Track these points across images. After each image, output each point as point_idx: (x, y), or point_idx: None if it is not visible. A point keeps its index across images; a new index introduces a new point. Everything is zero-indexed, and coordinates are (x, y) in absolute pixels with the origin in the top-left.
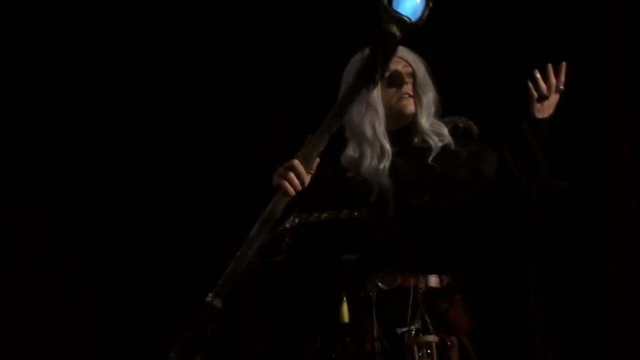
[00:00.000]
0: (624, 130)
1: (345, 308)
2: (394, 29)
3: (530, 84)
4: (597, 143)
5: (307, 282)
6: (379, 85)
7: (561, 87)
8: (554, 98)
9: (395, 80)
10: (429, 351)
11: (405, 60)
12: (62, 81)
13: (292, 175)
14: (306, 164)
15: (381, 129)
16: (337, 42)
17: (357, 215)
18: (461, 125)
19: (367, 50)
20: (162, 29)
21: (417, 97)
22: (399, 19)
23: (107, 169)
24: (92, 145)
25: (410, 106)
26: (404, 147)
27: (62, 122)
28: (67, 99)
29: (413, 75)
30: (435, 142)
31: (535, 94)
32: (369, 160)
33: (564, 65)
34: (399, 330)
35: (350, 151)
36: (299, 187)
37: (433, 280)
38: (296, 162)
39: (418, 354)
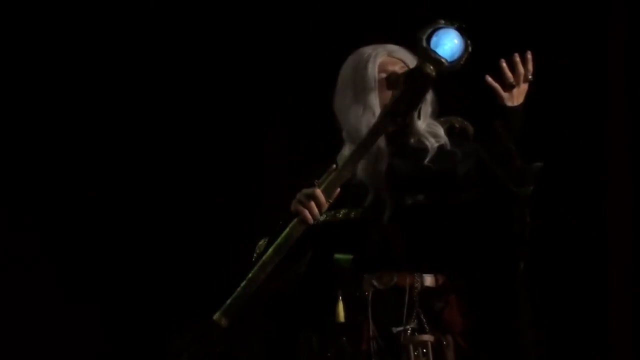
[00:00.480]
0: (624, 130)
1: (341, 308)
2: (430, 69)
3: (489, 78)
4: (597, 143)
5: (304, 283)
6: (377, 88)
7: (530, 77)
8: (523, 87)
9: (393, 83)
10: (424, 350)
11: (402, 61)
12: (62, 81)
13: (312, 204)
14: (327, 194)
15: None
16: (337, 42)
17: (353, 216)
18: (457, 125)
19: (367, 50)
20: (162, 29)
21: None
22: (436, 60)
23: (107, 169)
24: (92, 145)
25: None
26: (401, 148)
27: (62, 122)
28: (68, 99)
29: None
30: (432, 144)
31: (496, 85)
32: (366, 162)
33: (529, 54)
34: (395, 330)
35: (347, 152)
36: (318, 217)
37: (428, 280)
38: (318, 191)
39: (414, 353)
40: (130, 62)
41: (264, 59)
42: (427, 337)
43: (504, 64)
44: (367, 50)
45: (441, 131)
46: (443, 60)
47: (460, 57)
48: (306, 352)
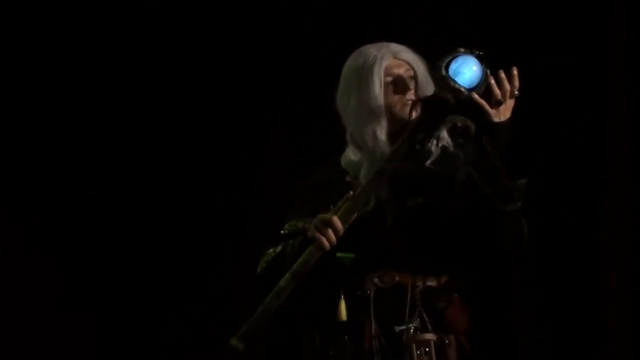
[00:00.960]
0: (624, 130)
1: (343, 306)
2: (449, 97)
3: (475, 95)
4: (597, 143)
5: (306, 281)
6: (383, 92)
7: (516, 93)
8: (510, 103)
9: (399, 87)
10: (427, 349)
11: (407, 62)
12: (63, 81)
13: (330, 231)
14: (344, 220)
15: (382, 137)
16: (337, 42)
17: (356, 215)
18: (459, 124)
19: (371, 52)
20: (162, 29)
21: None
22: (455, 89)
23: (107, 169)
24: (92, 145)
25: (413, 113)
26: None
27: (62, 122)
28: (68, 99)
29: (415, 77)
30: (434, 145)
31: (483, 102)
32: (369, 167)
33: (514, 70)
34: (397, 329)
35: (350, 154)
36: (334, 244)
37: (430, 279)
38: (335, 219)
39: (416, 352)
40: (130, 62)
41: (264, 59)
42: (430, 336)
43: (492, 81)
44: (372, 51)
45: (444, 132)
46: (462, 89)
47: (478, 85)
48: (308, 351)
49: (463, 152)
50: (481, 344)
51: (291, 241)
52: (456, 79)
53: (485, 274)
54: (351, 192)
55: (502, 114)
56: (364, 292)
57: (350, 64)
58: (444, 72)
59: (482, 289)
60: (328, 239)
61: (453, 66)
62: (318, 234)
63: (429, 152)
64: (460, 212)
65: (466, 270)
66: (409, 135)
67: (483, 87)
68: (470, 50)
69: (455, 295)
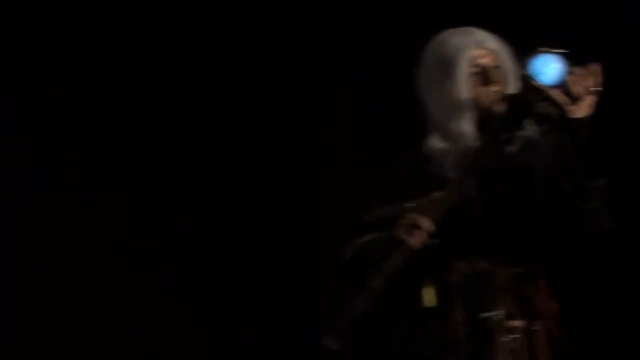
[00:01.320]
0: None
1: (429, 293)
2: (532, 96)
3: (554, 92)
4: (603, 141)
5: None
6: (467, 84)
7: (596, 88)
8: (590, 99)
9: (484, 78)
10: (514, 336)
11: (492, 50)
12: (63, 81)
13: (420, 233)
14: (433, 221)
15: (468, 129)
16: (338, 41)
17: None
18: (542, 111)
19: (454, 40)
20: (162, 28)
21: (503, 89)
22: (537, 88)
23: (107, 168)
24: (92, 144)
25: (499, 104)
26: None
27: (63, 122)
28: (68, 99)
29: (499, 66)
30: (518, 133)
31: (562, 98)
32: (455, 157)
33: (595, 66)
34: (483, 315)
35: (435, 142)
36: (424, 245)
37: (517, 266)
38: (425, 221)
39: (503, 339)
40: (130, 62)
41: (264, 59)
42: (517, 323)
43: (570, 77)
44: (454, 40)
45: (529, 119)
46: (544, 88)
47: (560, 83)
48: (395, 338)
49: (546, 140)
50: (570, 331)
51: (379, 236)
52: (538, 78)
53: (568, 263)
54: (437, 193)
55: (580, 110)
56: (451, 279)
57: (433, 53)
58: (526, 72)
59: (565, 277)
60: (418, 241)
61: (535, 65)
62: (408, 236)
63: (512, 143)
64: (543, 201)
65: (550, 259)
66: (493, 134)
67: (565, 85)
68: (551, 49)
69: (543, 280)
